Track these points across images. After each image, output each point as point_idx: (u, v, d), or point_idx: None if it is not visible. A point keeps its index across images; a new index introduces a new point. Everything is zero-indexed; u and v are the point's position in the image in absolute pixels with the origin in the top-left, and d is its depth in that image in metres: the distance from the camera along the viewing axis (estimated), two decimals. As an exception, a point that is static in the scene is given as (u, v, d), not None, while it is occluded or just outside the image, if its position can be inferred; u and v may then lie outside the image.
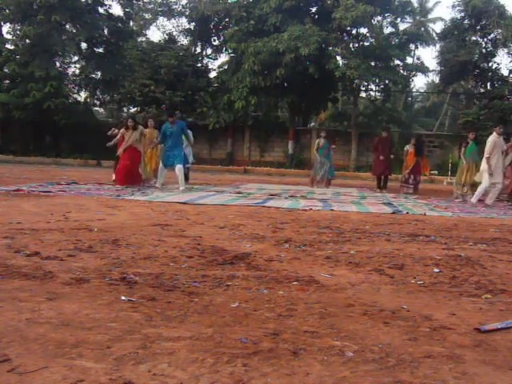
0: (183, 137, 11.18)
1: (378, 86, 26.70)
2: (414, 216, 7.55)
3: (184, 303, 2.69)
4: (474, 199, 10.30)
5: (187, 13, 29.57)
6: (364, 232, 5.56)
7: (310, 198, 10.33)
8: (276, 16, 23.96)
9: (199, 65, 28.38)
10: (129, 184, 10.52)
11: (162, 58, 25.27)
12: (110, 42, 28.27)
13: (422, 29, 31.24)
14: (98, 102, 30.87)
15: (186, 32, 30.99)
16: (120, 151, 10.80)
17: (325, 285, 3.21)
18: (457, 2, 25.78)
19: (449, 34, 26.37)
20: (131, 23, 31.17)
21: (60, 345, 2.05)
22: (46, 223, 5.15)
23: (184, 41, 30.96)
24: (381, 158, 13.85)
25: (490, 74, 26.21)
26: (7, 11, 26.96)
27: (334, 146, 15.89)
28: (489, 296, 3.11)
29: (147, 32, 35.67)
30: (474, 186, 11.41)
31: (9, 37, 28.48)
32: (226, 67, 27.88)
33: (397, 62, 25.23)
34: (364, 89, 27.82)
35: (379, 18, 25.44)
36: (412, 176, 13.48)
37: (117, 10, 70.48)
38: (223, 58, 31.81)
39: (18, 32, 27.31)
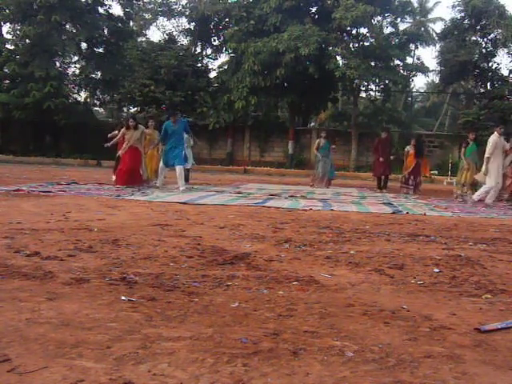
0: (185, 136, 11.16)
1: (378, 86, 26.71)
2: (414, 216, 7.55)
3: (184, 303, 2.69)
4: (475, 196, 10.27)
5: (187, 13, 29.58)
6: (364, 232, 5.56)
7: (310, 197, 10.33)
8: (276, 16, 23.97)
9: (199, 65, 28.38)
10: (130, 184, 10.50)
11: (162, 58, 25.27)
12: (110, 42, 28.28)
13: (422, 29, 31.26)
14: (98, 102, 30.88)
15: (186, 32, 31.00)
16: (121, 151, 10.78)
17: (325, 285, 3.21)
18: (457, 2, 25.80)
19: (449, 34, 26.38)
20: (131, 23, 31.18)
21: (60, 345, 2.05)
22: (45, 223, 5.15)
23: (184, 41, 31.01)
24: (380, 159, 13.86)
25: (490, 74, 26.22)
26: (7, 11, 26.97)
27: (334, 146, 15.88)
28: (489, 296, 3.11)
29: (147, 32, 35.73)
30: (474, 185, 11.42)
31: (9, 37, 28.55)
32: (226, 67, 27.89)
33: (397, 62, 25.25)
34: (364, 89, 27.86)
35: (379, 18, 25.47)
36: (412, 177, 13.47)
37: (117, 10, 70.54)
38: (223, 58, 31.88)
39: (18, 32, 27.33)
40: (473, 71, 26.37)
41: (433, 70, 29.77)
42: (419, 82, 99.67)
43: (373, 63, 24.16)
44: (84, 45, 28.50)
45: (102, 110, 36.50)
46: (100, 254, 3.79)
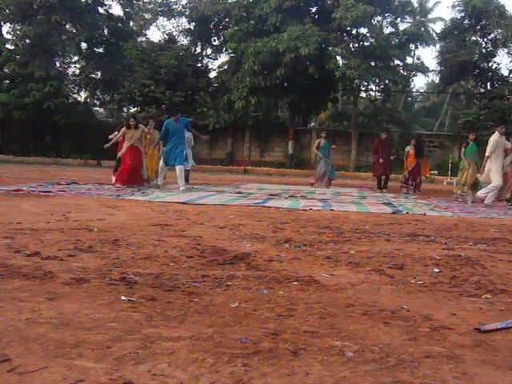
0: (187, 135, 11.14)
1: (378, 86, 26.72)
2: (414, 216, 7.55)
3: (184, 303, 2.69)
4: (480, 193, 10.21)
5: (187, 13, 29.59)
6: (364, 232, 5.56)
7: (310, 197, 10.33)
8: (276, 16, 23.97)
9: (199, 65, 28.39)
10: (131, 184, 10.48)
11: (162, 58, 25.28)
12: (110, 42, 28.29)
13: (422, 29, 31.27)
14: (98, 102, 30.89)
15: (186, 32, 31.01)
16: (122, 151, 10.76)
17: (325, 285, 3.21)
18: (457, 2, 25.81)
19: (449, 34, 26.39)
20: (131, 23, 31.19)
21: (60, 345, 2.05)
22: (46, 223, 5.15)
23: (184, 41, 31.02)
24: (381, 161, 13.86)
25: (490, 74, 26.23)
26: (7, 11, 26.98)
27: (334, 147, 15.88)
28: (489, 296, 3.11)
29: (147, 32, 35.74)
30: (475, 185, 11.42)
31: (9, 37, 28.56)
32: (226, 67, 27.90)
33: (397, 62, 25.26)
34: (364, 89, 27.88)
35: (379, 17, 25.48)
36: (411, 177, 13.48)
37: (117, 10, 70.60)
38: (223, 58, 31.89)
39: (18, 32, 27.34)
40: (473, 71, 26.37)
41: (433, 70, 29.82)
42: (419, 82, 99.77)
43: (373, 63, 24.17)
44: (84, 45, 28.52)
45: (102, 110, 36.51)
46: (100, 254, 3.79)
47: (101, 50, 28.56)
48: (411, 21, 29.48)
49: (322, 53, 23.27)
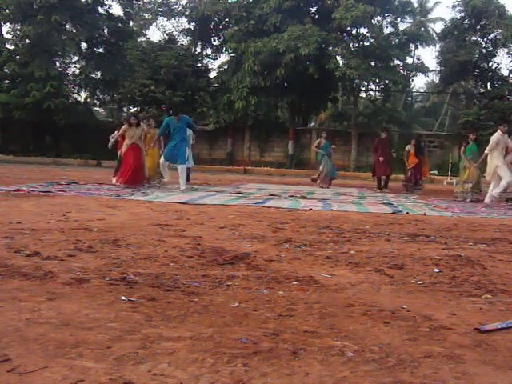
0: (188, 133, 11.12)
1: (378, 86, 26.75)
2: (414, 216, 7.55)
3: (184, 303, 2.69)
4: (495, 193, 10.16)
5: (187, 13, 29.60)
6: (364, 232, 5.56)
7: (310, 197, 10.33)
8: (276, 16, 23.98)
9: (199, 65, 28.40)
10: (134, 184, 10.46)
11: (162, 58, 25.29)
12: (110, 42, 28.30)
13: (422, 29, 31.23)
14: (98, 102, 30.91)
15: (186, 32, 31.01)
16: (123, 149, 10.74)
17: (325, 285, 3.21)
18: (457, 2, 25.82)
19: (449, 34, 26.40)
20: (131, 23, 31.20)
21: (60, 345, 2.05)
22: (46, 223, 5.15)
23: (184, 41, 31.03)
24: (381, 159, 13.86)
25: (490, 74, 26.24)
26: (7, 11, 27.00)
27: (334, 147, 15.91)
28: (489, 296, 3.11)
29: (147, 32, 35.77)
30: (478, 184, 11.42)
31: (9, 37, 28.58)
32: (226, 67, 27.91)
33: (397, 62, 25.29)
34: (364, 89, 27.91)
35: (379, 18, 25.51)
36: (414, 173, 13.53)
37: (117, 10, 70.61)
38: (223, 58, 31.90)
39: (18, 32, 27.35)
40: (473, 71, 26.38)
41: (433, 70, 29.83)
42: (419, 82, 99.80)
43: (373, 63, 24.19)
44: (84, 45, 28.53)
45: (102, 110, 36.53)
46: (100, 254, 3.79)
47: (101, 50, 28.57)
48: (411, 21, 29.49)
49: (321, 53, 23.28)
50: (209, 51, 31.60)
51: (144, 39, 32.84)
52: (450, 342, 2.29)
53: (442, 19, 31.51)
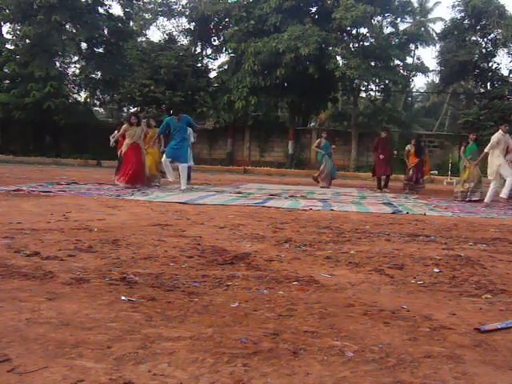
0: (188, 131, 11.13)
1: (378, 86, 26.75)
2: (414, 216, 7.55)
3: (184, 303, 2.69)
4: (503, 194, 10.15)
5: (187, 13, 29.60)
6: (364, 232, 5.56)
7: (310, 197, 10.33)
8: (276, 16, 23.98)
9: (199, 65, 28.40)
10: (136, 183, 10.49)
11: (162, 58, 25.28)
12: (110, 42, 28.30)
13: (422, 29, 31.22)
14: (98, 102, 30.92)
15: (186, 32, 31.01)
16: (123, 148, 10.74)
17: (325, 285, 3.21)
18: (457, 2, 25.82)
19: (449, 34, 26.40)
20: (131, 23, 31.20)
21: (60, 345, 2.05)
22: (46, 223, 5.15)
23: (184, 41, 31.03)
24: (381, 156, 13.85)
25: (490, 74, 26.24)
26: (7, 11, 27.01)
27: (334, 147, 15.92)
28: (489, 296, 3.11)
29: (147, 32, 35.76)
30: (480, 183, 11.42)
31: (9, 37, 28.59)
32: (226, 67, 27.91)
33: (397, 62, 25.29)
34: (364, 89, 27.92)
35: (379, 18, 25.51)
36: (415, 171, 13.57)
37: (117, 10, 70.61)
38: (223, 58, 31.88)
39: (18, 32, 27.36)
40: (473, 71, 26.38)
41: (433, 70, 29.83)
42: (419, 82, 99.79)
43: (373, 63, 24.19)
44: (84, 45, 28.54)
45: (102, 110, 36.53)
46: (100, 254, 3.79)
47: (101, 50, 28.58)
48: (411, 21, 29.50)
49: (322, 53, 23.28)
50: (209, 51, 31.62)
51: (144, 39, 32.85)
52: (450, 341, 2.29)
53: (442, 19, 31.54)
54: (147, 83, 24.75)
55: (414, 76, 28.86)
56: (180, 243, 4.39)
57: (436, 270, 3.77)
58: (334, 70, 22.93)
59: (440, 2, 79.99)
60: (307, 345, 2.17)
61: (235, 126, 27.12)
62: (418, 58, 33.20)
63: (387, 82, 24.93)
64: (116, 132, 11.82)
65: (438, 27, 36.38)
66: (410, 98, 36.55)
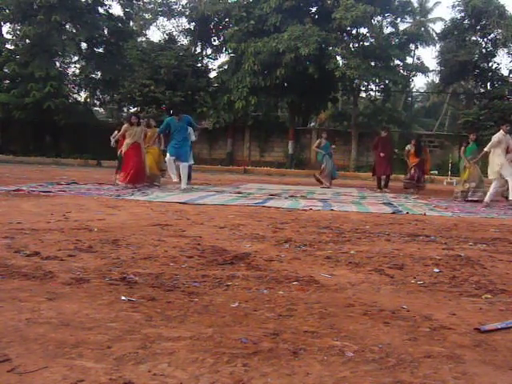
0: (189, 131, 11.15)
1: (378, 86, 26.75)
2: (414, 216, 7.55)
3: (184, 303, 2.69)
4: (510, 196, 10.12)
5: (187, 13, 29.59)
6: (364, 232, 5.56)
7: (310, 197, 10.33)
8: (276, 16, 23.97)
9: (199, 65, 28.39)
10: (137, 183, 10.53)
11: (162, 58, 25.28)
12: (110, 42, 28.30)
13: (422, 29, 31.23)
14: (98, 102, 30.92)
15: (186, 32, 31.01)
16: (124, 148, 10.76)
17: (325, 285, 3.21)
18: (457, 2, 25.81)
19: (449, 34, 26.39)
20: (131, 23, 31.20)
21: (60, 345, 2.05)
22: (46, 223, 5.15)
23: (184, 41, 31.02)
24: (381, 154, 13.84)
25: (490, 74, 26.23)
26: (7, 11, 27.01)
27: (334, 147, 15.93)
28: (489, 296, 3.11)
29: (147, 32, 35.77)
30: (481, 183, 11.41)
31: (9, 37, 28.59)
32: (226, 67, 27.90)
33: (397, 62, 25.28)
34: (364, 89, 27.90)
35: (379, 18, 25.50)
36: (417, 170, 13.58)
37: (117, 10, 70.58)
38: (223, 58, 31.88)
39: (18, 32, 27.36)
40: (473, 71, 26.37)
41: (433, 70, 29.83)
42: (419, 82, 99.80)
43: (373, 63, 24.18)
44: (84, 45, 28.54)
45: (102, 110, 36.52)
46: (100, 254, 3.80)
47: (101, 50, 28.57)
48: (411, 21, 29.50)
49: (322, 53, 23.27)
50: (209, 51, 31.61)
51: (144, 39, 32.84)
52: (450, 341, 2.29)
53: (442, 19, 31.53)
54: (147, 83, 24.75)
55: (414, 76, 28.89)
56: (180, 243, 4.39)
57: (436, 270, 3.77)
58: (334, 70, 22.93)
59: (440, 2, 80.00)
60: (307, 345, 2.17)
61: (235, 125, 27.12)
62: (418, 58, 33.25)
63: (387, 82, 24.92)
64: (116, 132, 11.83)
65: (438, 27, 36.40)
66: (409, 98, 36.55)
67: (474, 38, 25.89)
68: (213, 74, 28.64)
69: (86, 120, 26.87)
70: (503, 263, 4.15)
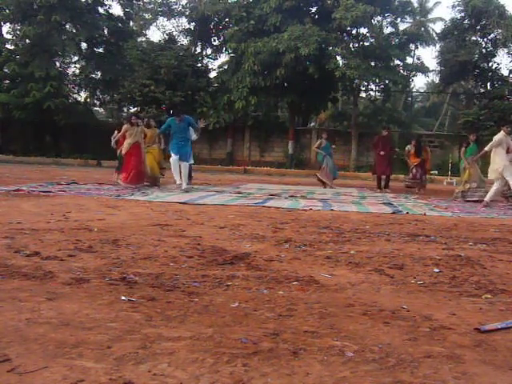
0: (190, 130, 11.16)
1: (378, 86, 26.74)
2: (414, 216, 7.55)
3: (184, 303, 2.69)
4: None
5: (187, 13, 29.59)
6: (364, 232, 5.56)
7: (310, 197, 10.33)
8: (276, 16, 23.97)
9: (199, 65, 28.39)
10: (138, 183, 10.56)
11: (161, 58, 25.28)
12: (110, 42, 28.30)
13: (422, 29, 31.24)
14: (97, 102, 30.91)
15: (186, 32, 31.00)
16: (125, 148, 10.77)
17: (325, 285, 3.21)
18: (457, 2, 25.81)
19: (449, 34, 26.39)
20: (131, 23, 31.20)
21: (60, 345, 2.05)
22: (46, 223, 5.15)
23: (184, 41, 31.01)
24: (381, 153, 13.82)
25: (490, 74, 26.23)
26: (7, 11, 27.01)
27: (334, 147, 15.93)
28: (489, 296, 3.11)
29: (147, 32, 35.75)
30: (481, 183, 11.41)
31: (9, 37, 28.59)
32: (226, 67, 27.90)
33: (397, 62, 25.28)
34: (364, 89, 27.89)
35: (379, 18, 25.51)
36: (418, 169, 13.60)
37: (117, 10, 70.56)
38: (223, 58, 31.87)
39: (18, 32, 27.36)
40: (473, 71, 26.37)
41: (433, 70, 29.83)
42: (419, 82, 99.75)
43: (373, 63, 24.18)
44: (84, 45, 28.53)
45: (102, 110, 36.52)
46: (100, 254, 3.79)
47: (101, 50, 28.57)
48: (411, 21, 29.49)
49: (322, 53, 23.26)
50: (209, 51, 31.60)
51: (144, 39, 32.82)
52: (450, 341, 2.29)
53: (442, 19, 31.53)
54: (147, 83, 24.75)
55: (414, 76, 28.89)
56: (180, 243, 4.39)
57: (436, 269, 3.77)
58: (334, 69, 22.92)
59: (440, 2, 79.96)
60: (307, 345, 2.17)
61: (235, 125, 27.12)
62: (418, 58, 33.24)
63: (387, 82, 24.92)
64: (116, 132, 11.84)
65: (438, 27, 36.42)
66: (409, 98, 36.56)
67: (473, 38, 25.89)
68: (213, 74, 28.68)
69: (86, 120, 26.87)
70: (503, 263, 4.15)
